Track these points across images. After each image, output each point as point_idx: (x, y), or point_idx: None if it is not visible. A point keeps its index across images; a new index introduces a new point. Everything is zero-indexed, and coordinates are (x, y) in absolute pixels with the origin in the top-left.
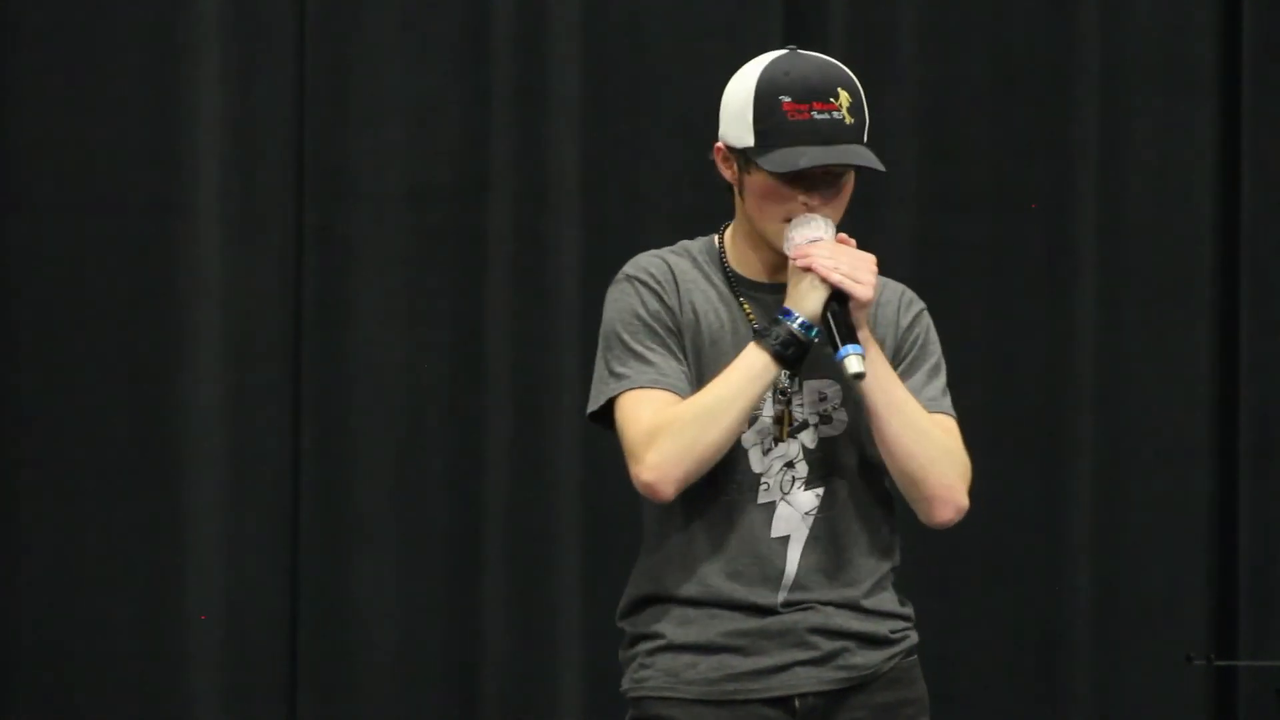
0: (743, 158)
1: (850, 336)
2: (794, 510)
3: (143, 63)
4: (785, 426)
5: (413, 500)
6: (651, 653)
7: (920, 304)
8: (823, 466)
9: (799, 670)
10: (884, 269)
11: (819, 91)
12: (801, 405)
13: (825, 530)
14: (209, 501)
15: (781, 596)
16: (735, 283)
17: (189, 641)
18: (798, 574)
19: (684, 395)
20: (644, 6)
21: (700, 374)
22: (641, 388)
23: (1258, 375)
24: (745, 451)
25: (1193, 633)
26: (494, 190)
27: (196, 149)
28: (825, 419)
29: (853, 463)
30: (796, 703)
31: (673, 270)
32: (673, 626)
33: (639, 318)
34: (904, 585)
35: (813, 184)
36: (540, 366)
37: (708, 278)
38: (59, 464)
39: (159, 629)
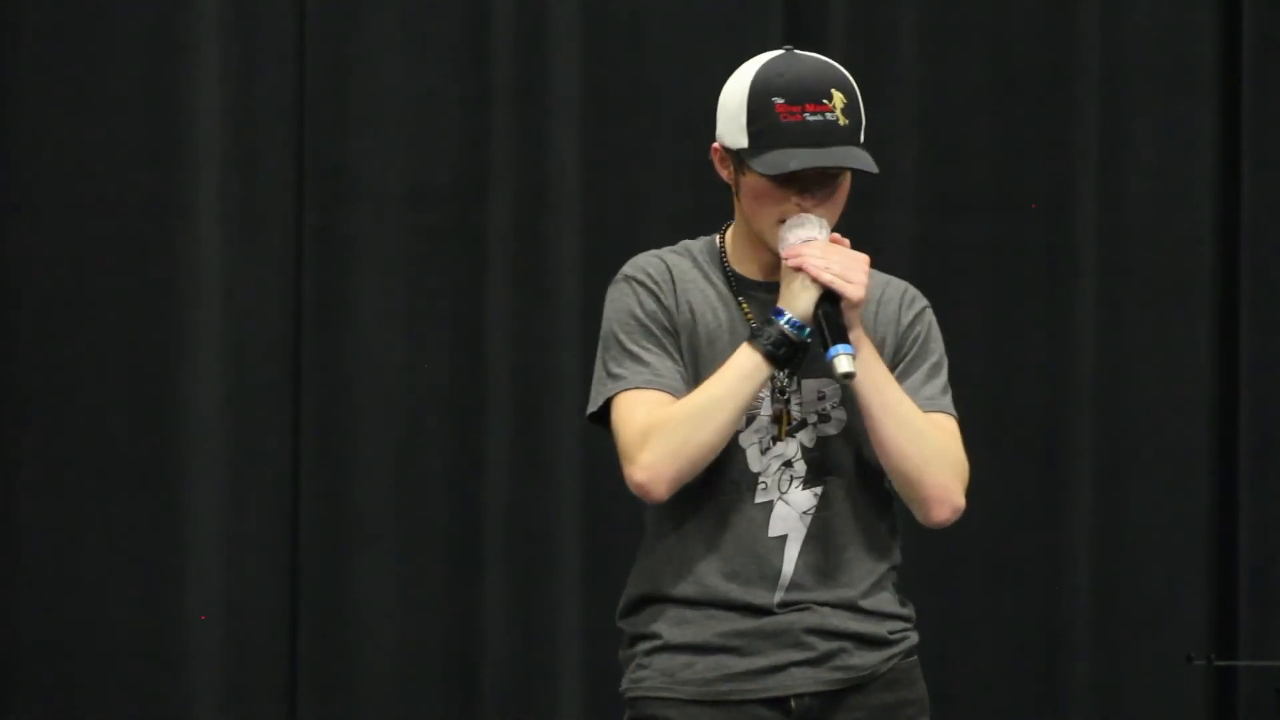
0: (737, 159)
1: (841, 336)
2: (792, 510)
3: (143, 63)
4: (783, 425)
5: (413, 500)
6: (649, 653)
7: (923, 302)
8: (821, 466)
9: (795, 671)
10: (883, 269)
11: (812, 93)
12: (800, 404)
13: (823, 530)
14: (209, 501)
15: (778, 596)
16: (735, 282)
17: (189, 641)
18: (795, 573)
19: (679, 395)
20: (644, 6)
21: (697, 373)
22: (636, 388)
23: (1258, 375)
24: (743, 450)
25: (1193, 633)
26: (494, 190)
27: (196, 149)
28: (824, 418)
29: (851, 462)
30: (793, 703)
31: (670, 270)
32: (669, 627)
33: (635, 318)
34: (904, 585)
35: (806, 185)
36: (540, 366)
37: (707, 277)
38: (59, 464)
39: (159, 629)
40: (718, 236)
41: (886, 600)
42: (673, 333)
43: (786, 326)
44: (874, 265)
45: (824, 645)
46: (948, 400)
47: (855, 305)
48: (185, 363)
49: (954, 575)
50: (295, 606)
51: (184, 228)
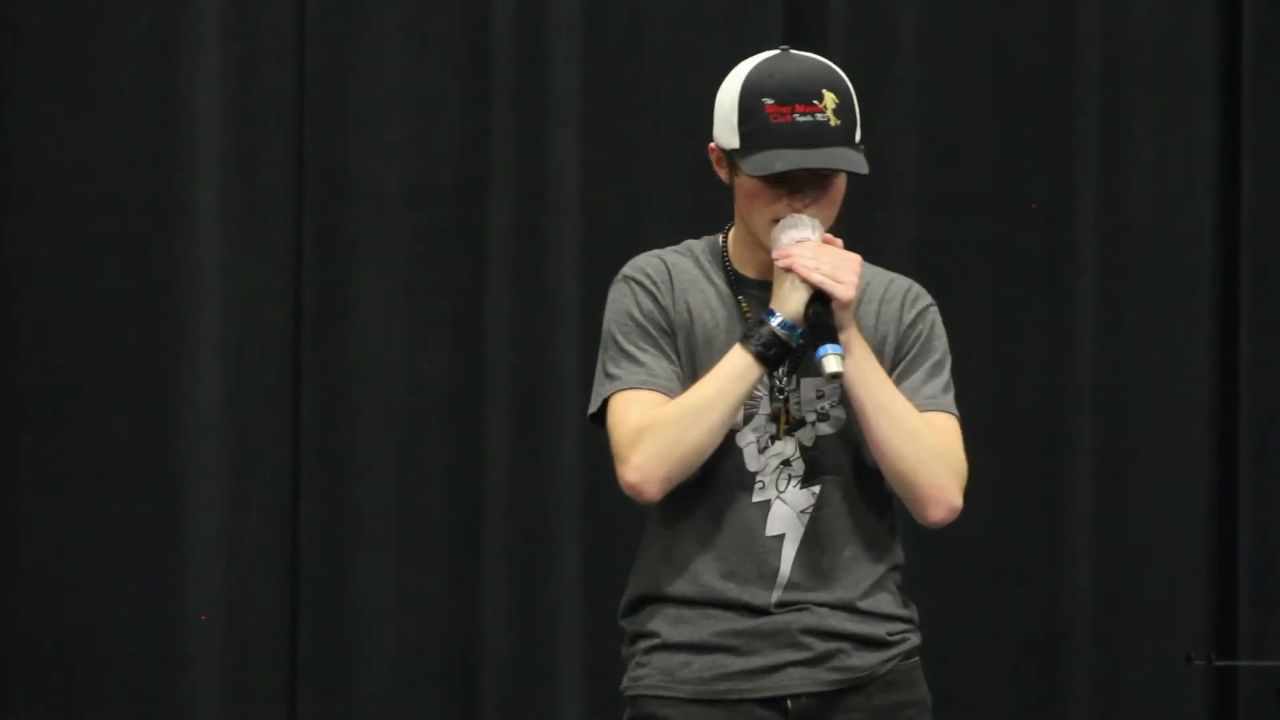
0: (730, 159)
1: (830, 336)
2: (789, 509)
3: (143, 63)
4: (782, 424)
5: (413, 500)
6: (648, 651)
7: (927, 300)
8: (819, 465)
9: (791, 671)
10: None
11: (802, 93)
12: (799, 403)
13: (821, 529)
14: (209, 502)
15: (776, 596)
16: (736, 281)
17: (189, 641)
18: (792, 573)
19: (675, 395)
20: (644, 6)
21: (694, 373)
22: (631, 389)
23: (1258, 375)
24: (741, 449)
25: (1193, 633)
26: (494, 190)
27: (196, 149)
28: (823, 417)
29: (850, 462)
30: (789, 703)
31: (669, 269)
32: (668, 626)
33: (632, 318)
34: (904, 585)
35: (797, 185)
36: (540, 366)
37: (708, 276)
38: (59, 464)
39: (159, 629)
40: (720, 236)
41: (886, 601)
42: (669, 333)
43: (777, 327)
44: (878, 265)
45: (821, 646)
46: (949, 399)
47: (845, 305)
48: (185, 363)
49: (954, 575)
50: (295, 606)
51: (184, 228)
